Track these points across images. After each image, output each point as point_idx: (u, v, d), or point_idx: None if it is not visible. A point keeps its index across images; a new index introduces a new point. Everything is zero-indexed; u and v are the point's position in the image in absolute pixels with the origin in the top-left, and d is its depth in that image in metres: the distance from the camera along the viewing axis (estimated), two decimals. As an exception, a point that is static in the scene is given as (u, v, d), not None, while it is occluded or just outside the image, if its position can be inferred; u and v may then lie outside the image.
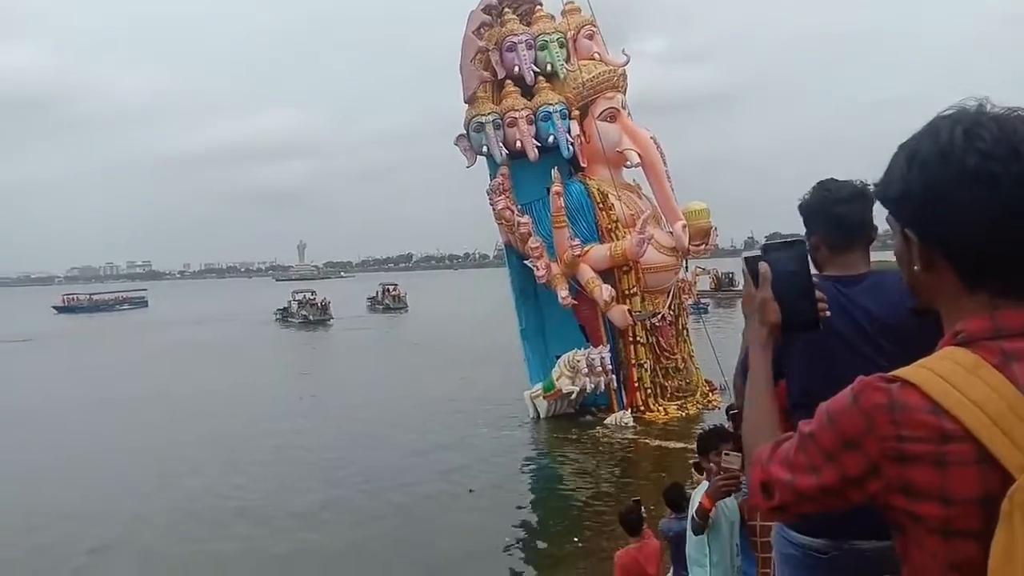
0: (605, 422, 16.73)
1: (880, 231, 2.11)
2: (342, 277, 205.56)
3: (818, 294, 1.58)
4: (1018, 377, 0.99)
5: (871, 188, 2.10)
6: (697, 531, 3.83)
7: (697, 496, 3.88)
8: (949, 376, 1.01)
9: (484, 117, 17.61)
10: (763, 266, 1.53)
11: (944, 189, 1.04)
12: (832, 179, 2.24)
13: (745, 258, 2.48)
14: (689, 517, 3.89)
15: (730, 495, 3.56)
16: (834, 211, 2.18)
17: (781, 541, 2.22)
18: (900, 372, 1.05)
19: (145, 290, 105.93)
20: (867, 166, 2.18)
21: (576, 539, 10.47)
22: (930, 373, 1.03)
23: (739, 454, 3.32)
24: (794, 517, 1.23)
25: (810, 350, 2.14)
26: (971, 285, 1.07)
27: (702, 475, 4.89)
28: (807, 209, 2.26)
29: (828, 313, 1.70)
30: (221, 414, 20.28)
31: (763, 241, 2.57)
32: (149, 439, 17.42)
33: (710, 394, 18.07)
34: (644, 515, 5.20)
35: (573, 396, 17.24)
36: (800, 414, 2.27)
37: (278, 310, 56.67)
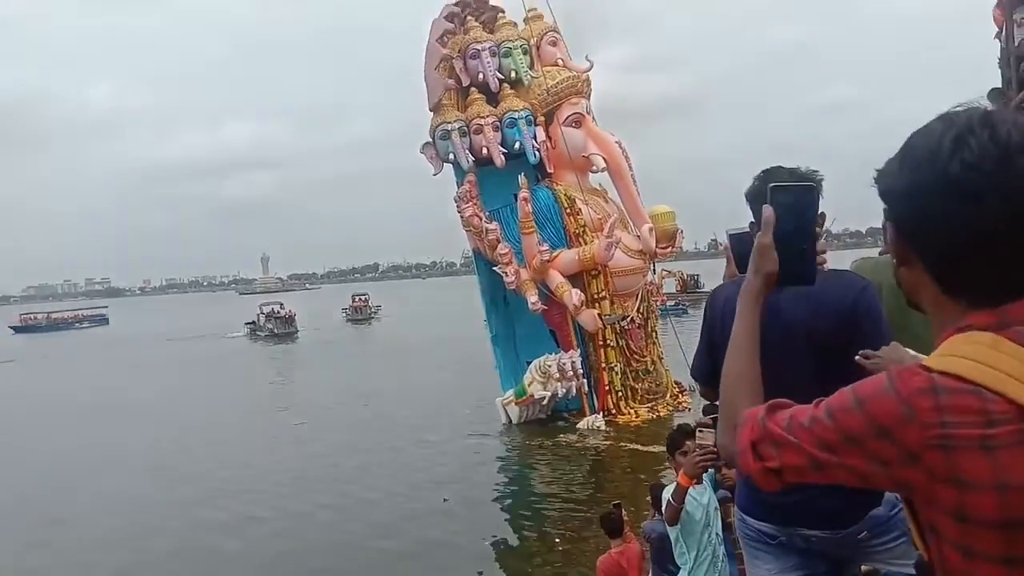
0: (577, 426, 16.75)
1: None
2: (308, 289, 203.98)
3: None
4: None
5: (817, 176, 2.06)
6: (672, 519, 3.78)
7: (667, 496, 3.87)
8: (976, 356, 0.97)
9: (450, 124, 17.59)
10: (767, 210, 1.40)
11: (924, 194, 1.01)
12: (776, 166, 2.17)
13: (729, 234, 2.47)
14: (664, 507, 3.86)
15: (707, 471, 3.55)
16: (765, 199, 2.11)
17: (740, 525, 2.31)
18: (924, 362, 1.00)
19: (106, 307, 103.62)
20: (820, 166, 2.16)
21: (557, 540, 10.49)
22: (956, 358, 0.98)
23: (712, 431, 3.27)
24: (782, 484, 1.11)
25: None
26: (947, 291, 1.04)
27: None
28: (748, 196, 2.18)
29: (826, 265, 1.65)
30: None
31: (724, 234, 2.53)
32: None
33: (680, 395, 18.19)
34: (625, 517, 5.20)
35: (545, 401, 17.24)
36: None
37: (247, 323, 56.11)
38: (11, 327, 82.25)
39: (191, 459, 16.83)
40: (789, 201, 1.42)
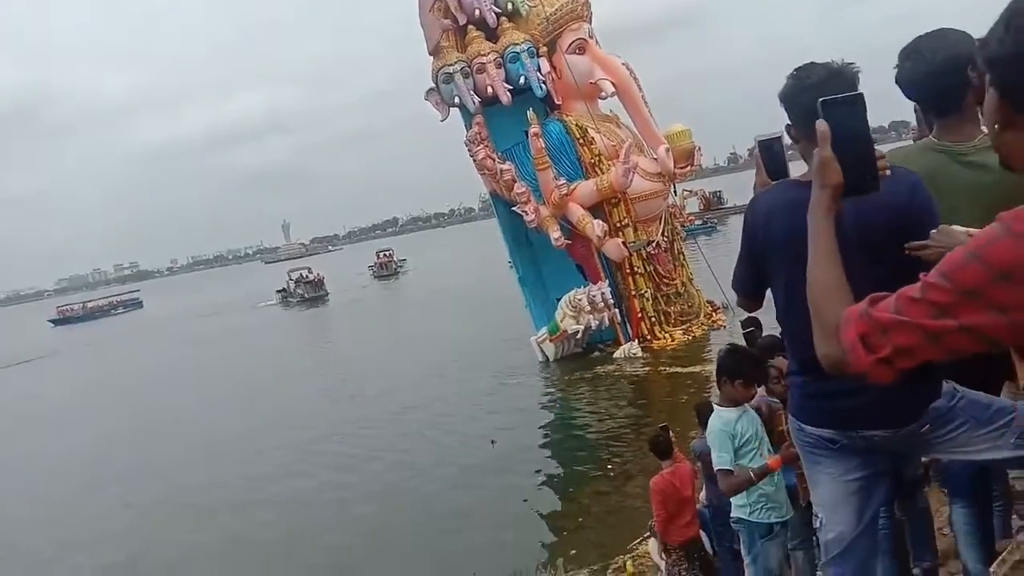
0: (614, 356, 16.83)
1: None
2: (330, 251, 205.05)
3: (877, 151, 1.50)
4: None
5: (853, 68, 2.00)
6: (738, 491, 3.58)
7: (717, 418, 3.66)
8: None
9: (451, 67, 17.27)
10: (821, 124, 1.43)
11: None
12: (809, 63, 2.07)
13: (758, 141, 2.39)
14: (725, 475, 3.69)
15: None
16: (804, 97, 1.98)
17: (797, 434, 2.29)
18: None
19: (138, 291, 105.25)
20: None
21: (609, 467, 10.65)
22: None
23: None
24: (895, 373, 1.14)
25: (789, 261, 2.06)
26: None
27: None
28: (782, 97, 2.10)
29: (888, 173, 1.63)
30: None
31: (753, 140, 2.45)
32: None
33: (714, 314, 18.16)
34: (672, 438, 5.22)
35: (579, 335, 17.31)
36: (785, 331, 2.26)
37: (278, 291, 56.79)
38: (50, 320, 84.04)
39: (251, 436, 17.24)
40: (841, 113, 1.45)
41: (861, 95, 1.52)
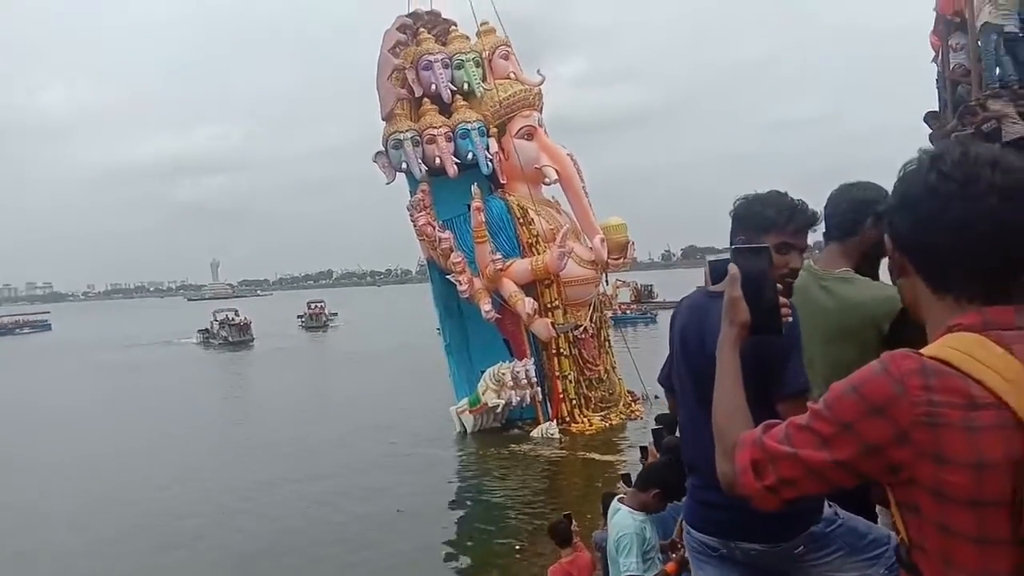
0: (531, 435, 16.92)
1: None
2: (259, 295, 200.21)
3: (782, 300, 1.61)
4: (1019, 355, 1.07)
5: (785, 204, 2.11)
6: None
7: (632, 519, 3.73)
8: (961, 348, 1.08)
9: (402, 134, 17.66)
10: (732, 268, 1.56)
11: (912, 203, 1.17)
12: (773, 191, 2.15)
13: (709, 261, 2.61)
14: (611, 541, 3.75)
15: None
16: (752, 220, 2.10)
17: (686, 536, 2.37)
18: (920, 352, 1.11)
19: (48, 312, 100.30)
20: (772, 183, 2.30)
21: (517, 548, 10.58)
22: (945, 348, 1.09)
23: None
24: (780, 502, 1.19)
25: (681, 360, 2.18)
26: (936, 290, 1.17)
27: (629, 486, 5.04)
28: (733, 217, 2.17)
29: (791, 319, 1.73)
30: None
31: (709, 257, 2.65)
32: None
33: (632, 404, 18.50)
34: (575, 527, 5.33)
35: (499, 410, 17.38)
36: (680, 432, 2.39)
37: (200, 331, 54.80)
38: (-53, 333, 79.20)
39: (133, 480, 16.45)
40: (749, 260, 1.59)
41: (767, 247, 1.64)
